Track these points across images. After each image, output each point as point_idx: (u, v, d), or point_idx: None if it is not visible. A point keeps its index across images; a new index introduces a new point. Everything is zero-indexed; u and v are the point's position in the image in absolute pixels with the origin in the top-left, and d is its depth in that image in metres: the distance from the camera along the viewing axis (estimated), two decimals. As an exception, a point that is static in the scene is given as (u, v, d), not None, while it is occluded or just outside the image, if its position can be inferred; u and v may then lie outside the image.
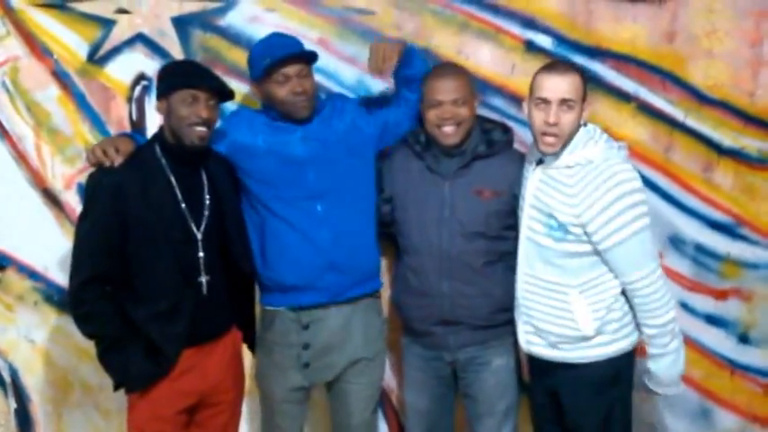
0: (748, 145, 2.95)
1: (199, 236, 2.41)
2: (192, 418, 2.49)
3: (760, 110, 2.93)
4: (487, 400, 2.62)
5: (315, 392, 2.82)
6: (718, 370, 3.07)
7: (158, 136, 2.44)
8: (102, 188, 2.31)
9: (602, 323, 2.36)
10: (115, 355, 2.35)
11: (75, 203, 2.97)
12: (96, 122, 2.96)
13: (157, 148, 2.41)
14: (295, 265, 2.56)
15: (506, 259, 2.55)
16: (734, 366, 3.07)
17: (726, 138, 2.94)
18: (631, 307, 2.39)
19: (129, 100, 2.95)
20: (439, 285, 2.54)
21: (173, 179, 2.39)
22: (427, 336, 2.62)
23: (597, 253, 2.34)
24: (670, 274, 2.88)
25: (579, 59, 2.88)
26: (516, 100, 2.84)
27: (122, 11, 2.90)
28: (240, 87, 2.83)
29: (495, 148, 2.58)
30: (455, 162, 2.56)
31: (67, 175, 2.99)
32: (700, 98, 2.92)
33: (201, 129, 2.36)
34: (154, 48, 2.91)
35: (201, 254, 2.41)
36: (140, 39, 2.91)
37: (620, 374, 2.43)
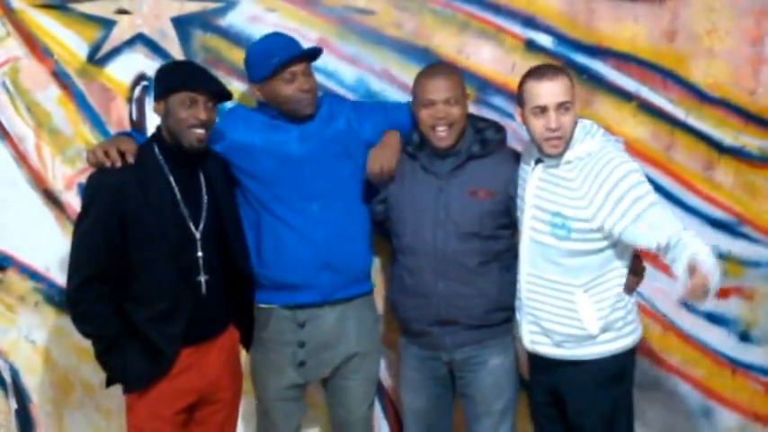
0: (749, 143, 2.95)
1: (197, 236, 2.41)
2: (192, 416, 2.48)
3: (761, 108, 2.93)
4: (484, 399, 2.62)
5: (311, 389, 2.82)
6: (720, 368, 3.07)
7: (156, 136, 2.44)
8: (102, 189, 2.31)
9: (607, 322, 2.36)
10: (113, 355, 2.35)
11: (75, 204, 2.95)
12: (96, 123, 2.96)
13: (156, 149, 2.41)
14: (291, 264, 2.57)
15: (501, 259, 2.55)
16: (735, 365, 3.07)
17: (727, 136, 2.94)
18: (633, 306, 2.39)
19: (130, 100, 2.94)
20: (434, 285, 2.54)
21: (171, 179, 2.39)
22: (424, 336, 2.62)
23: (611, 246, 2.32)
24: (670, 273, 2.87)
25: (580, 59, 2.89)
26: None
27: (122, 11, 2.89)
28: (241, 87, 2.84)
29: (488, 147, 2.57)
30: (449, 162, 2.55)
31: (68, 176, 2.98)
32: (700, 97, 2.92)
33: (200, 131, 2.36)
34: (154, 48, 2.91)
35: (200, 253, 2.41)
36: (140, 39, 2.91)
37: (623, 371, 2.43)
